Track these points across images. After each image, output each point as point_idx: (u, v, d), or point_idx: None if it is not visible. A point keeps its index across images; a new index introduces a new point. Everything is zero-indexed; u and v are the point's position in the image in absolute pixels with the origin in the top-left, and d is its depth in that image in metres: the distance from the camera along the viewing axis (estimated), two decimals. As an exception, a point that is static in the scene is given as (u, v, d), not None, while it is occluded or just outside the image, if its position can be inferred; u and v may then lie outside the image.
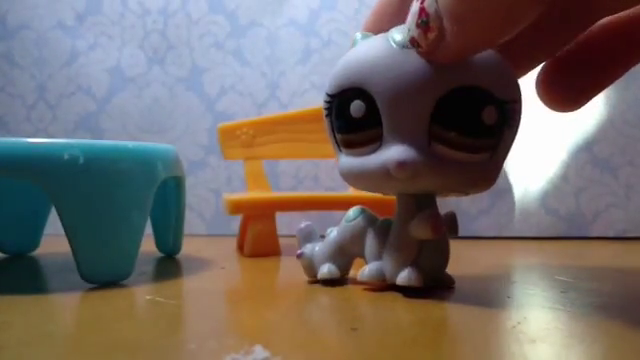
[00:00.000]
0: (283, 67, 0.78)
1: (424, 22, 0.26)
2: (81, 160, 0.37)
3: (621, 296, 0.35)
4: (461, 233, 0.37)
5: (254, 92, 0.79)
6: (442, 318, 0.30)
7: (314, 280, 0.40)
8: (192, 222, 0.78)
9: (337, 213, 0.70)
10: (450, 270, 0.37)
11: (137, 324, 0.29)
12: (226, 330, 0.27)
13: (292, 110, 0.74)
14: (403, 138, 0.31)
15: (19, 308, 0.32)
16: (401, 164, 0.30)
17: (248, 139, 0.63)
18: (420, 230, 0.33)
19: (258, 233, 0.55)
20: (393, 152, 0.31)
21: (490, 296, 0.35)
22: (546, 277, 0.42)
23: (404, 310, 0.31)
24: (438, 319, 0.29)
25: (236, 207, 0.54)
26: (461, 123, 0.30)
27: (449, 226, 0.37)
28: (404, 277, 0.34)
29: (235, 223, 0.71)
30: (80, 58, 0.81)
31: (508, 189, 0.73)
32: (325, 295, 0.36)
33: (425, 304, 0.32)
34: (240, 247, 0.60)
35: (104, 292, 0.36)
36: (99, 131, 0.81)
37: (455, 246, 0.38)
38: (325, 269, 0.39)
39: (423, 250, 0.34)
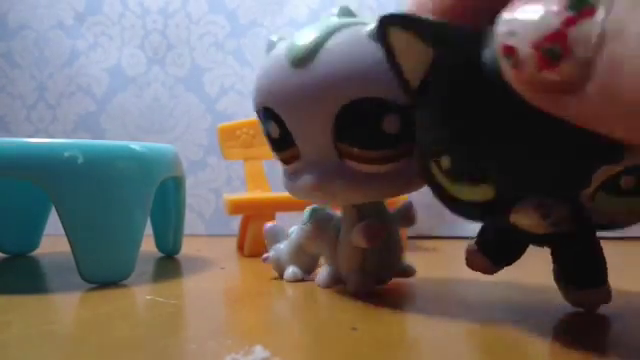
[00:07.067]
0: (283, 67, 0.78)
1: (554, 53, 0.17)
2: (81, 160, 0.37)
3: (621, 296, 0.35)
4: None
5: (254, 92, 0.79)
6: (442, 318, 0.30)
7: (281, 277, 0.41)
8: (192, 222, 0.78)
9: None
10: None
11: (137, 324, 0.29)
12: (226, 330, 0.27)
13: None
14: (315, 157, 0.31)
15: (19, 308, 0.32)
16: (314, 188, 0.31)
17: (248, 139, 0.63)
18: (356, 240, 0.33)
19: (258, 233, 0.55)
20: (306, 178, 0.31)
21: (490, 297, 0.35)
22: (546, 277, 0.42)
23: (404, 310, 0.31)
24: (438, 319, 0.29)
25: (236, 207, 0.54)
26: (361, 137, 0.29)
27: (404, 217, 0.37)
28: (351, 285, 0.34)
29: (235, 223, 0.71)
30: (80, 58, 0.81)
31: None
32: (325, 295, 0.36)
33: (425, 304, 0.32)
34: (240, 247, 0.60)
35: (104, 292, 0.36)
36: (99, 131, 0.81)
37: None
38: (289, 272, 0.39)
39: (368, 254, 0.34)
